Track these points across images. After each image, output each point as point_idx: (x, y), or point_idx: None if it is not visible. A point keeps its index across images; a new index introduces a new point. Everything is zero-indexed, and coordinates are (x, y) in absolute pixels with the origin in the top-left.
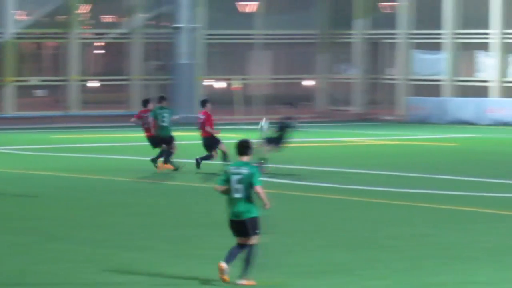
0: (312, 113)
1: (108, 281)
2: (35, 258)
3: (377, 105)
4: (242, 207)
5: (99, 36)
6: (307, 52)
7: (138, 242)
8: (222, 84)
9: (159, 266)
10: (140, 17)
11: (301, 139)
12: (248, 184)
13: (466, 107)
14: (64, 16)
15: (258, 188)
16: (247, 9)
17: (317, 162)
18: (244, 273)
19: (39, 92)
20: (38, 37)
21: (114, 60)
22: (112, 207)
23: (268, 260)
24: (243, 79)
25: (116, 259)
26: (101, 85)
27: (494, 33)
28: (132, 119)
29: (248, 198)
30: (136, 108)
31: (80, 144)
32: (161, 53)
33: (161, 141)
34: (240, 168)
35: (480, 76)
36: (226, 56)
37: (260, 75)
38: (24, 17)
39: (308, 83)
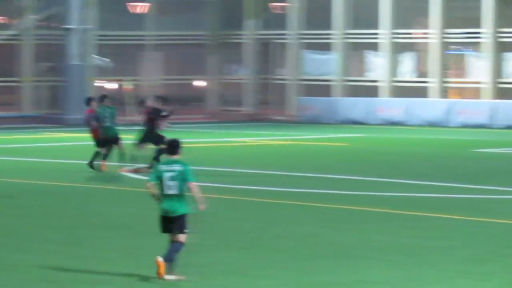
0: (203, 114)
1: None
2: None
3: (268, 106)
4: (173, 204)
5: None
6: (198, 53)
7: (28, 244)
8: (113, 85)
9: (50, 268)
10: (30, 18)
11: (192, 140)
12: (181, 181)
13: (356, 107)
14: None
15: (193, 185)
16: (138, 10)
17: (208, 163)
18: (169, 269)
19: None
20: None
21: (5, 61)
22: (3, 208)
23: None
24: (134, 80)
25: (8, 262)
26: None
27: (384, 33)
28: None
29: (180, 195)
30: (28, 110)
31: None
32: (52, 54)
33: (107, 141)
34: (172, 166)
35: (370, 76)
36: (118, 57)
37: (152, 76)
38: None
39: (199, 83)
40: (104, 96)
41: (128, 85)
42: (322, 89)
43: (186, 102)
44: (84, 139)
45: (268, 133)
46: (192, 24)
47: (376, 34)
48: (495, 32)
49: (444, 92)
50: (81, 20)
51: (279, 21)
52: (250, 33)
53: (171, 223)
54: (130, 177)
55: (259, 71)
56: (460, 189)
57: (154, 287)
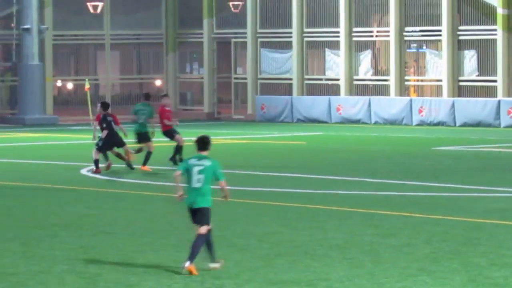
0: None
1: None
2: None
3: (227, 104)
4: (197, 196)
5: None
6: (156, 52)
7: None
8: (71, 85)
9: (9, 267)
10: None
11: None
12: (208, 176)
13: (316, 105)
14: None
15: (223, 182)
16: (94, 10)
17: (164, 162)
18: (213, 257)
19: None
20: None
21: None
22: None
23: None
24: (92, 79)
25: None
26: None
27: (343, 31)
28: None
29: (205, 189)
30: None
31: None
32: (9, 54)
33: (142, 138)
34: (202, 161)
35: (329, 74)
36: (75, 57)
37: (110, 75)
38: None
39: (157, 83)
40: (147, 95)
41: (86, 85)
42: (281, 88)
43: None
44: (41, 139)
45: (226, 132)
46: (149, 23)
47: (335, 32)
48: (454, 30)
49: (404, 90)
50: (37, 20)
51: (237, 19)
52: (208, 31)
53: (195, 215)
54: (89, 177)
55: (217, 69)
56: (420, 187)
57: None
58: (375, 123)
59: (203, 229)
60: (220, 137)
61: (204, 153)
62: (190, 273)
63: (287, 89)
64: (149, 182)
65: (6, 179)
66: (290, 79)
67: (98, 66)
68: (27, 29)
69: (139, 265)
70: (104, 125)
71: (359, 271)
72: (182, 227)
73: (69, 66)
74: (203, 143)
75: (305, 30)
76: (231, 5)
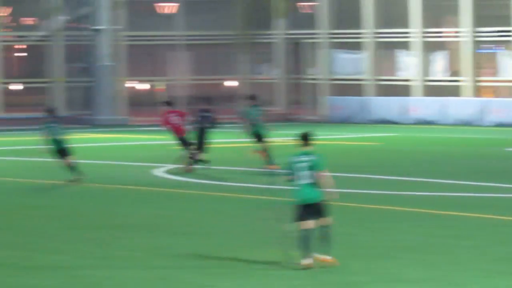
0: (234, 114)
1: (29, 284)
2: None
3: (300, 105)
4: (311, 192)
5: (20, 38)
6: (228, 53)
7: (58, 244)
8: (144, 86)
9: (81, 269)
10: (60, 19)
11: (222, 140)
12: (314, 170)
13: (388, 106)
14: None
15: (325, 173)
16: (167, 11)
17: (238, 163)
18: (326, 250)
19: None
20: None
21: (35, 62)
22: (32, 210)
23: None
24: (165, 80)
25: (35, 262)
26: (24, 88)
27: (415, 32)
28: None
29: (315, 183)
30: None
31: (1, 147)
32: (83, 55)
33: (257, 138)
34: (308, 156)
35: (402, 75)
36: (148, 58)
37: (182, 76)
38: None
39: (230, 83)
40: (253, 96)
41: (159, 86)
42: (353, 89)
43: (217, 102)
44: (112, 140)
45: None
46: (222, 23)
47: (407, 33)
48: None
49: (477, 91)
50: (110, 20)
51: (309, 20)
52: (279, 32)
53: (312, 210)
54: (161, 178)
55: (289, 71)
56: (494, 188)
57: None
58: (449, 124)
59: (328, 220)
60: (293, 138)
61: (309, 149)
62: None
63: (359, 90)
64: (223, 183)
65: (80, 181)
66: (363, 80)
67: (171, 67)
68: (100, 30)
69: (215, 266)
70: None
71: (435, 273)
72: (257, 228)
73: (141, 67)
74: (307, 139)
75: (377, 30)
76: (303, 6)
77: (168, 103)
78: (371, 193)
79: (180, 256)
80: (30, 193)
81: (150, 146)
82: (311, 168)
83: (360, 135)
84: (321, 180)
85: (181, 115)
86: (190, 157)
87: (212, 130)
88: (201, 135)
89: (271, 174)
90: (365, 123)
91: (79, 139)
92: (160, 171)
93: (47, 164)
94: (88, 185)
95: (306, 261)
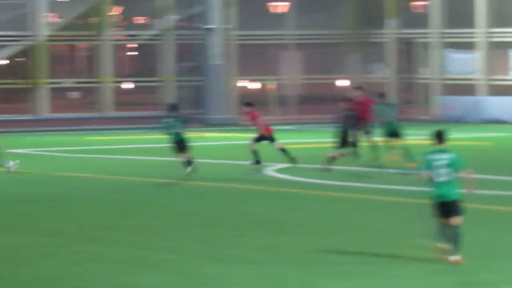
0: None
1: (141, 282)
2: (67, 259)
3: (411, 105)
4: (447, 189)
5: (131, 37)
6: (340, 52)
7: (170, 243)
8: (255, 85)
9: (192, 267)
10: (171, 18)
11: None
12: (451, 168)
13: (500, 106)
14: (96, 18)
15: (466, 171)
16: (278, 10)
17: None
18: (455, 250)
19: (73, 94)
20: (71, 39)
21: (146, 61)
22: (145, 208)
23: None
24: (276, 79)
25: (148, 260)
26: (134, 87)
27: None
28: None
29: (451, 181)
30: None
31: (113, 146)
32: (193, 54)
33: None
34: (444, 154)
35: None
36: (258, 57)
37: (293, 76)
38: (56, 20)
39: (341, 83)
40: (383, 94)
41: (270, 85)
42: (465, 88)
43: (328, 102)
44: (225, 138)
45: (411, 132)
46: (333, 23)
47: None
48: None
49: None
50: (221, 20)
51: (420, 20)
52: (391, 32)
53: (447, 208)
54: (272, 177)
55: (401, 70)
56: None
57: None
58: None
59: (458, 220)
60: (405, 137)
61: (444, 146)
62: (457, 263)
63: (471, 90)
64: (335, 182)
65: (192, 179)
66: (475, 79)
67: (282, 66)
68: (211, 29)
69: (325, 265)
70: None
71: None
72: (370, 227)
73: (252, 66)
74: (442, 137)
75: (490, 30)
76: (414, 6)
77: (250, 104)
78: (485, 194)
79: (290, 255)
80: (143, 191)
81: (263, 145)
82: (449, 166)
83: (471, 134)
84: (464, 179)
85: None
86: (332, 157)
87: (355, 129)
88: (345, 134)
89: (407, 172)
90: (477, 123)
91: (191, 138)
92: (270, 170)
93: (160, 163)
94: (200, 183)
95: (453, 258)
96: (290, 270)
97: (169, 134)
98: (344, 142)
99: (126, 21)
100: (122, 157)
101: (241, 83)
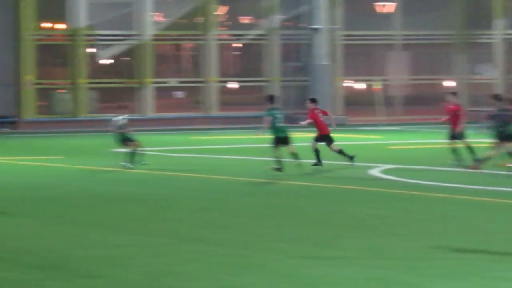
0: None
1: (244, 283)
2: (170, 259)
3: None
4: None
5: (236, 37)
6: (446, 53)
7: (274, 243)
8: (361, 85)
9: (295, 268)
10: (277, 18)
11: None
12: None
13: None
14: (201, 18)
15: None
16: (385, 10)
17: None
18: None
19: (178, 94)
20: (176, 38)
21: (251, 61)
22: (250, 208)
23: None
24: (382, 80)
25: (252, 261)
26: (239, 87)
27: None
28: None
29: None
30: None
31: (219, 146)
32: (298, 54)
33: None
34: None
35: None
36: (364, 57)
37: (399, 76)
38: (162, 19)
39: (448, 84)
40: (497, 97)
41: (377, 85)
42: None
43: (434, 103)
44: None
45: None
46: (439, 23)
47: None
48: None
49: None
50: (327, 20)
51: None
52: (499, 32)
53: None
54: (378, 178)
55: (509, 71)
56: None
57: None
58: None
59: None
60: None
61: None
62: None
63: None
64: (442, 183)
65: (296, 180)
66: None
67: (388, 66)
68: (317, 29)
69: (429, 267)
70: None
71: None
72: (476, 230)
73: (358, 66)
74: None
75: None
76: None
77: (313, 100)
78: None
79: (394, 257)
80: (249, 191)
81: (368, 145)
82: None
83: None
84: None
85: (324, 113)
86: (484, 157)
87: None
88: (498, 133)
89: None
90: None
91: (297, 138)
92: (376, 171)
93: (264, 163)
94: (304, 184)
95: None
96: (394, 271)
97: (273, 127)
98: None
99: (231, 21)
100: (228, 157)
101: (346, 83)
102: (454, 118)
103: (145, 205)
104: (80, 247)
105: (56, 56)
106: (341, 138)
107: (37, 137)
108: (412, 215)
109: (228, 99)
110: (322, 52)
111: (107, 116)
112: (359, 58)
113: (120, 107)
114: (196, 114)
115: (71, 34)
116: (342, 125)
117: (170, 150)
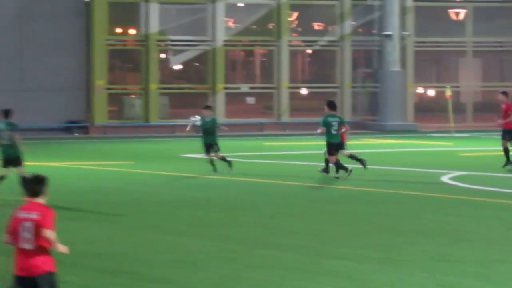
0: None
1: None
2: (239, 264)
3: None
4: None
5: (308, 43)
6: None
7: (343, 249)
8: (432, 92)
9: (364, 274)
10: (349, 24)
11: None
12: None
13: None
14: (273, 24)
15: None
16: (456, 17)
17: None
18: None
19: (249, 99)
20: (247, 44)
21: (322, 67)
22: (320, 214)
23: None
24: (453, 86)
25: (323, 267)
26: (309, 92)
27: None
28: None
29: None
30: (346, 116)
31: (292, 151)
32: (369, 60)
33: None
34: None
35: None
36: (436, 64)
37: (470, 83)
38: (233, 25)
39: None
40: None
41: (449, 92)
42: None
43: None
44: (400, 145)
45: None
46: (510, 30)
47: None
48: None
49: None
50: (399, 26)
51: None
52: None
53: None
54: (449, 185)
55: None
56: None
57: None
58: None
59: None
60: None
61: None
62: None
63: None
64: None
65: (367, 186)
66: None
67: (460, 73)
68: (389, 36)
69: (499, 274)
70: None
71: None
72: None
73: (430, 73)
74: None
75: None
76: None
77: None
78: None
79: (463, 264)
80: (319, 197)
81: (439, 152)
82: None
83: None
84: None
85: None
86: None
87: None
88: None
89: None
90: None
91: (366, 144)
92: (447, 178)
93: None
94: (374, 190)
95: None
96: (463, 279)
97: (328, 133)
98: None
99: (302, 27)
100: (300, 163)
101: (418, 90)
102: (506, 117)
103: (214, 210)
104: (150, 252)
105: (127, 61)
106: (412, 145)
107: (108, 142)
108: (483, 221)
109: (298, 104)
110: (394, 58)
111: (177, 121)
112: (429, 65)
113: (206, 107)
114: (267, 119)
115: (143, 39)
116: (412, 132)
117: (244, 156)
